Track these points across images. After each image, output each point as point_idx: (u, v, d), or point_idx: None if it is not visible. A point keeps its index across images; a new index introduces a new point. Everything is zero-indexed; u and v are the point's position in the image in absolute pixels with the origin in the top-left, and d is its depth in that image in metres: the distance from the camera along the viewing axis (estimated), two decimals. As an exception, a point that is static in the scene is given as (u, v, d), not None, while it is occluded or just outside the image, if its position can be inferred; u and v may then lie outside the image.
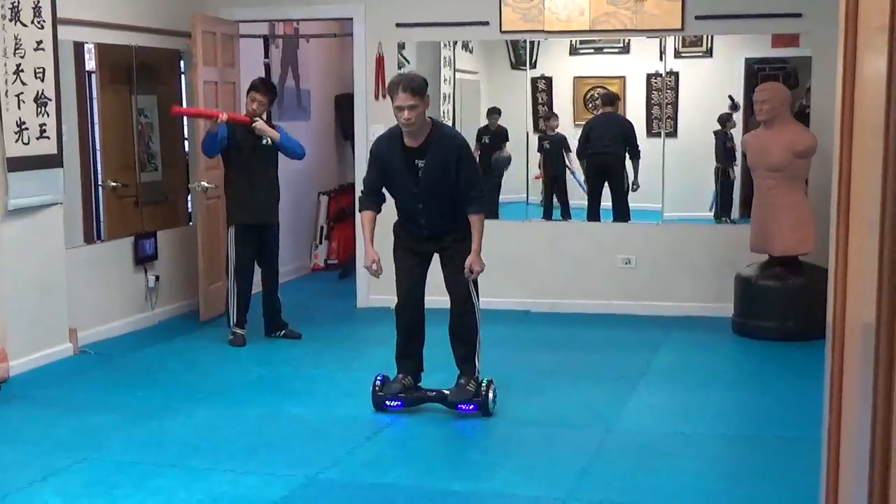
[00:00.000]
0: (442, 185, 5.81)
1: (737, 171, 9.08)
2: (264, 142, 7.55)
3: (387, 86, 5.78)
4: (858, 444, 1.96)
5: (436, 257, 6.07)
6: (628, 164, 9.22)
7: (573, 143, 9.55)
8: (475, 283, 5.93)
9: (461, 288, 5.90)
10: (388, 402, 5.94)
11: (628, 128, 9.21)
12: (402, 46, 9.01)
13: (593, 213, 9.24)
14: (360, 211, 6.08)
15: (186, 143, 8.96)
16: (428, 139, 5.80)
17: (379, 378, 6.02)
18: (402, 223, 6.08)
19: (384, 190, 6.07)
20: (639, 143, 9.16)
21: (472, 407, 5.84)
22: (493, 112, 9.64)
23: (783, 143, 7.63)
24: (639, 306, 8.55)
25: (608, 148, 9.25)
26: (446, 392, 5.93)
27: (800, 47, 8.56)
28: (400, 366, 6.10)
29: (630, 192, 9.23)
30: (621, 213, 9.12)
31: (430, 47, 9.37)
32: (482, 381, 5.89)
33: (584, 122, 9.65)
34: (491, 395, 5.85)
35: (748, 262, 8.02)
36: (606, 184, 9.28)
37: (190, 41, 8.33)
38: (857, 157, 2.13)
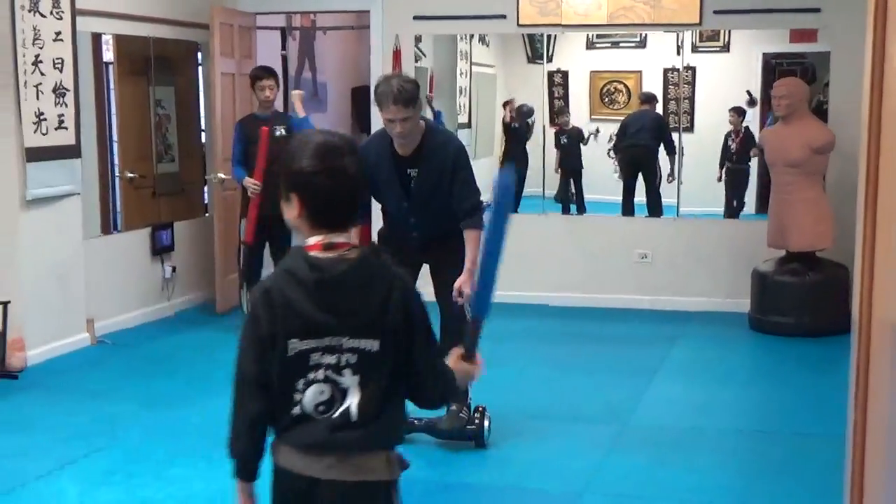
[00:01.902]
0: (436, 197, 5.16)
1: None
2: (277, 133, 7.56)
3: (374, 95, 5.05)
4: (887, 441, 1.96)
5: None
6: (662, 158, 9.18)
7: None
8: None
9: (454, 303, 5.10)
10: None
11: (662, 124, 9.21)
12: (418, 39, 9.01)
13: (627, 206, 9.24)
14: None
15: (203, 134, 8.98)
16: (421, 146, 5.14)
17: None
18: (390, 232, 5.46)
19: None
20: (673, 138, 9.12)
21: (467, 437, 5.26)
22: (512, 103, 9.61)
23: (801, 139, 7.60)
24: (655, 301, 8.54)
25: (641, 142, 9.24)
26: (435, 420, 5.25)
27: (818, 42, 8.52)
28: None
29: (666, 184, 9.17)
30: (654, 206, 9.11)
31: (447, 40, 9.37)
32: (475, 409, 5.30)
33: (598, 117, 9.66)
34: (486, 423, 5.28)
35: (765, 257, 8.00)
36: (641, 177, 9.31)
37: (208, 33, 8.33)
38: (885, 152, 2.12)
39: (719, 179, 9.18)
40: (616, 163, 9.52)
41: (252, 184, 7.49)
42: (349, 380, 2.44)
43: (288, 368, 2.43)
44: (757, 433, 5.71)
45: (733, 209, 9.16)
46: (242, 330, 2.50)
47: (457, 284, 5.04)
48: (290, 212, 2.51)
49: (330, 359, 2.43)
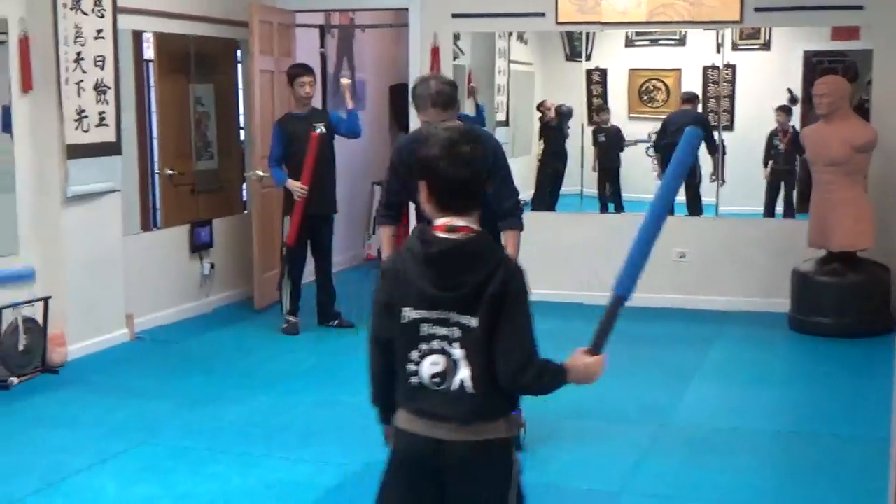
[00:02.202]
0: None
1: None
2: (318, 132, 7.58)
3: (412, 96, 5.05)
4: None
5: None
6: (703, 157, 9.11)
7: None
8: None
9: None
10: None
11: (702, 122, 9.10)
12: (457, 37, 9.01)
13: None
14: (378, 225, 5.43)
15: (242, 132, 9.02)
16: None
17: None
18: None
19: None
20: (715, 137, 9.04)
21: None
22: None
23: (843, 137, 7.53)
24: (693, 300, 8.49)
25: (678, 138, 9.16)
26: None
27: (860, 40, 8.44)
28: None
29: (708, 183, 9.09)
30: (693, 205, 9.03)
31: (485, 38, 9.36)
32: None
33: (637, 116, 9.61)
34: (522, 428, 4.89)
35: (805, 257, 7.93)
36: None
37: (247, 30, 8.37)
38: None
39: (765, 178, 9.08)
40: (656, 161, 9.46)
41: (299, 187, 7.51)
42: (458, 353, 2.67)
43: (403, 335, 2.71)
44: (795, 435, 5.66)
45: (778, 210, 9.03)
46: (372, 297, 2.85)
47: None
48: (421, 196, 2.77)
49: (442, 331, 2.67)
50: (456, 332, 2.66)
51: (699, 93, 9.28)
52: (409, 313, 2.70)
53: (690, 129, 2.82)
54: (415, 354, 2.69)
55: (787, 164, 8.97)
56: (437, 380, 2.67)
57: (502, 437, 2.74)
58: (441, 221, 2.72)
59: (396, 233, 5.34)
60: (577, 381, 2.82)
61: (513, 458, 2.80)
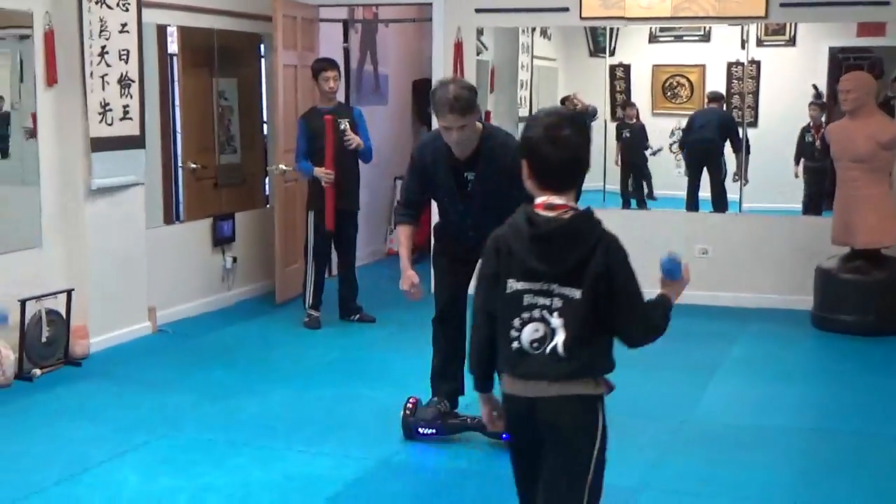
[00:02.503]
0: (494, 200, 4.84)
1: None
2: (342, 128, 7.59)
3: (431, 101, 4.96)
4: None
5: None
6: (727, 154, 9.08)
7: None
8: None
9: None
10: (420, 430, 5.22)
11: (728, 120, 9.09)
12: (480, 32, 9.00)
13: (692, 201, 9.14)
14: (396, 224, 5.39)
15: (265, 126, 9.04)
16: (478, 149, 5.01)
17: (411, 402, 5.32)
18: (445, 228, 5.36)
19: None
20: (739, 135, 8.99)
21: None
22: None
23: (868, 134, 7.49)
24: (716, 297, 8.44)
25: (707, 137, 9.12)
26: None
27: (886, 37, 8.38)
28: (436, 388, 5.37)
29: (731, 181, 9.05)
30: (718, 201, 8.98)
31: (509, 33, 9.35)
32: None
33: (661, 112, 9.58)
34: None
35: (829, 254, 7.89)
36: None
37: (271, 25, 8.38)
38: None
39: (797, 176, 9.01)
40: (681, 157, 9.43)
41: (325, 173, 7.52)
42: (556, 321, 2.91)
43: (507, 305, 2.96)
44: (816, 432, 5.63)
45: (812, 208, 8.95)
46: (478, 269, 3.14)
47: None
48: (523, 174, 3.01)
49: (543, 301, 2.92)
50: (557, 302, 2.90)
51: (723, 89, 9.24)
52: (514, 285, 2.94)
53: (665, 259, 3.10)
54: (517, 322, 2.94)
55: (819, 161, 8.86)
56: (535, 345, 2.92)
57: (590, 394, 2.98)
58: (540, 200, 2.94)
59: (415, 232, 5.31)
60: (677, 295, 3.12)
61: (600, 413, 3.04)
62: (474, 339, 3.13)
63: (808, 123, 8.88)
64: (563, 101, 9.60)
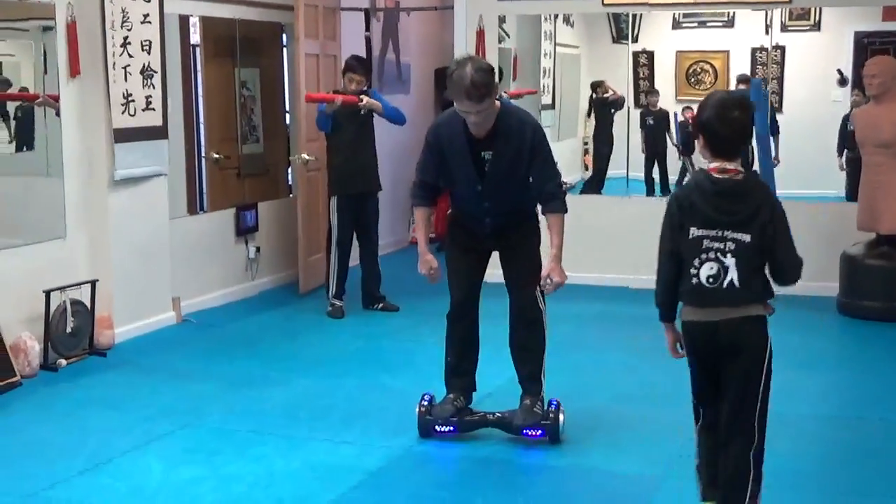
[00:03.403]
0: (511, 181, 4.90)
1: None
2: (362, 112, 7.60)
3: (448, 83, 4.77)
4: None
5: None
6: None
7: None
8: (541, 286, 5.02)
9: (527, 293, 5.03)
10: (438, 428, 5.10)
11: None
12: (502, 20, 8.97)
13: None
14: (412, 206, 5.25)
15: (287, 115, 9.04)
16: (496, 127, 4.85)
17: (425, 399, 5.19)
18: (460, 218, 5.18)
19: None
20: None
21: (539, 432, 5.02)
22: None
23: (893, 119, 7.43)
24: (740, 284, 8.39)
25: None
26: (507, 415, 5.10)
27: (912, 20, 8.33)
28: (451, 385, 5.21)
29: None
30: None
31: (531, 21, 9.32)
32: (550, 402, 5.10)
33: (685, 98, 9.54)
34: (561, 418, 5.04)
35: (854, 240, 7.83)
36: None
37: (292, 14, 8.37)
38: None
39: (841, 168, 8.89)
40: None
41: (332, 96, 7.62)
42: (729, 261, 3.69)
43: (689, 248, 3.73)
44: (841, 419, 5.59)
45: (832, 193, 8.86)
46: (664, 220, 3.82)
47: (545, 272, 4.87)
48: (698, 144, 3.79)
49: (718, 245, 3.69)
50: (730, 245, 3.67)
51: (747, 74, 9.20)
52: (695, 232, 3.70)
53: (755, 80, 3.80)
54: (696, 262, 3.71)
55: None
56: (711, 280, 3.70)
57: (760, 314, 3.77)
58: (714, 165, 3.69)
59: (432, 214, 5.26)
60: None
61: (767, 330, 3.83)
62: (661, 277, 3.85)
63: (851, 112, 8.66)
64: (594, 86, 9.55)
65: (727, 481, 3.91)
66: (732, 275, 3.68)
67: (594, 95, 9.69)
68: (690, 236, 3.71)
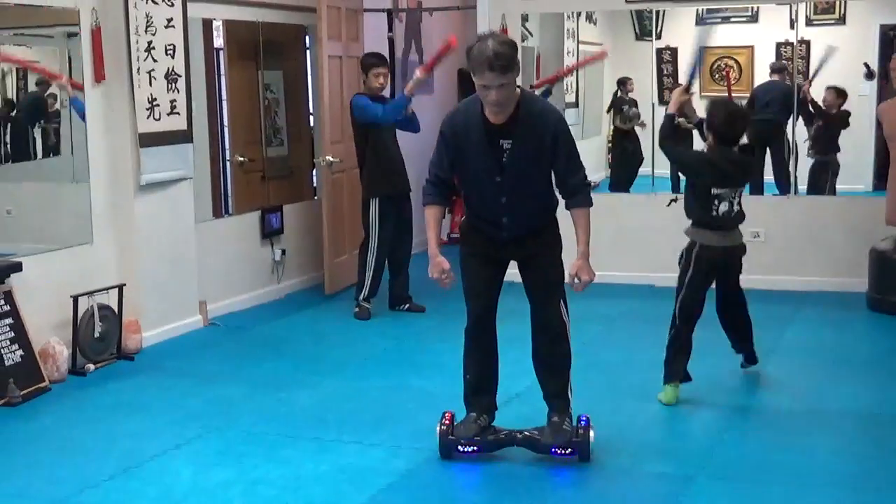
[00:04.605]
0: (532, 174, 4.63)
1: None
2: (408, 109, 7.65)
3: (469, 59, 4.47)
4: None
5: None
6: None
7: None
8: (564, 297, 4.82)
9: (551, 306, 4.77)
10: (461, 448, 4.84)
11: (792, 94, 8.77)
12: (525, 18, 8.94)
13: (756, 183, 9.01)
14: (424, 204, 4.83)
15: (311, 117, 9.05)
16: (516, 114, 4.54)
17: (446, 417, 4.93)
18: (475, 222, 4.84)
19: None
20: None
21: (570, 451, 4.78)
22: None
23: (921, 113, 7.38)
24: (768, 281, 8.35)
25: (770, 115, 8.93)
26: (535, 433, 4.84)
27: (939, 13, 8.26)
28: (472, 404, 4.94)
29: (808, 158, 8.90)
30: (783, 181, 8.77)
31: (554, 19, 9.29)
32: (578, 419, 4.86)
33: (709, 95, 9.49)
34: (592, 435, 4.81)
35: (883, 235, 7.77)
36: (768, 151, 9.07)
37: (315, 16, 8.37)
38: None
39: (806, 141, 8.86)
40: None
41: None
42: (735, 202, 5.59)
43: (714, 197, 5.54)
44: (874, 417, 5.54)
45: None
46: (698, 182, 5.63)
47: (573, 269, 4.65)
48: (707, 139, 5.63)
49: (731, 194, 5.55)
50: (735, 193, 5.57)
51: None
52: (716, 190, 5.53)
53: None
54: (716, 202, 5.54)
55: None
56: (724, 213, 5.56)
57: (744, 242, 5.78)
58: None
59: (444, 215, 4.94)
60: None
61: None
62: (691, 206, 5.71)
63: (878, 105, 8.56)
64: (620, 83, 9.48)
65: (746, 326, 6.08)
66: (735, 209, 5.59)
67: (619, 93, 9.64)
68: (712, 192, 5.54)
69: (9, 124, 6.74)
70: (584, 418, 4.84)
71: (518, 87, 4.55)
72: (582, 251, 4.65)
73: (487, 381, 4.94)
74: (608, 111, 9.66)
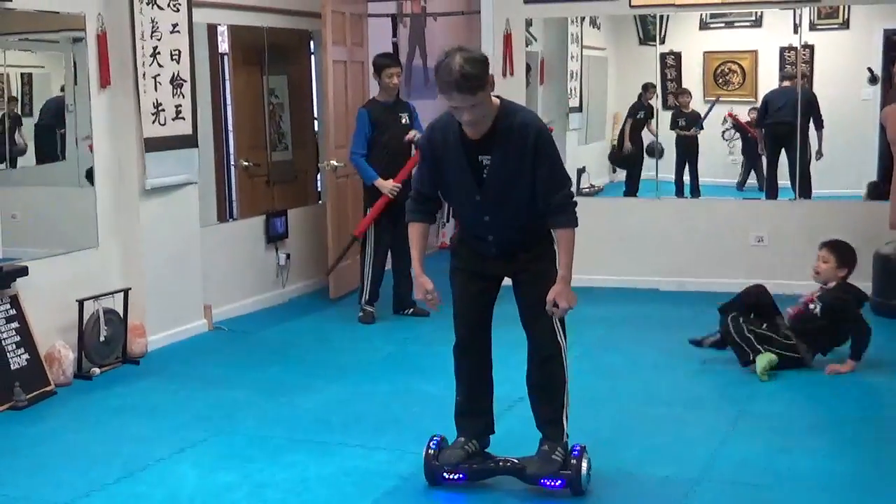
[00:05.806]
0: (514, 189, 4.30)
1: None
2: (404, 122, 7.66)
3: (436, 79, 4.20)
4: None
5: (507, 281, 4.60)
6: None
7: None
8: (560, 316, 4.43)
9: (544, 325, 4.41)
10: (446, 475, 4.57)
11: (808, 99, 8.79)
12: (529, 23, 8.96)
13: (772, 184, 9.02)
14: (407, 222, 4.59)
15: (316, 122, 9.07)
16: (495, 127, 4.25)
17: (434, 442, 4.65)
18: (464, 237, 4.60)
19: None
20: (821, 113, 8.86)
21: (559, 483, 4.44)
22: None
23: (925, 117, 7.38)
24: (772, 285, 8.29)
25: (785, 119, 8.90)
26: (523, 462, 4.54)
27: (943, 17, 8.26)
28: (462, 427, 4.65)
29: (813, 162, 8.90)
30: (802, 185, 8.74)
31: (558, 24, 9.30)
32: (571, 449, 4.51)
33: (713, 99, 9.52)
34: (584, 466, 4.45)
35: (887, 239, 7.77)
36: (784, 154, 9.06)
37: (320, 21, 8.40)
38: None
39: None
40: (733, 145, 9.36)
41: (392, 187, 7.58)
42: None
43: None
44: (878, 420, 5.56)
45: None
46: None
47: (550, 295, 4.29)
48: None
49: None
50: None
51: (776, 75, 9.15)
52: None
53: None
54: None
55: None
56: None
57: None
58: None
59: (428, 231, 4.61)
60: None
61: None
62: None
63: (882, 110, 8.51)
64: (644, 88, 9.43)
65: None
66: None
67: (641, 98, 9.58)
68: None
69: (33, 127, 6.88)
70: (578, 448, 4.50)
71: (497, 96, 4.30)
72: (562, 275, 4.31)
73: (477, 403, 4.65)
74: (628, 116, 9.63)
